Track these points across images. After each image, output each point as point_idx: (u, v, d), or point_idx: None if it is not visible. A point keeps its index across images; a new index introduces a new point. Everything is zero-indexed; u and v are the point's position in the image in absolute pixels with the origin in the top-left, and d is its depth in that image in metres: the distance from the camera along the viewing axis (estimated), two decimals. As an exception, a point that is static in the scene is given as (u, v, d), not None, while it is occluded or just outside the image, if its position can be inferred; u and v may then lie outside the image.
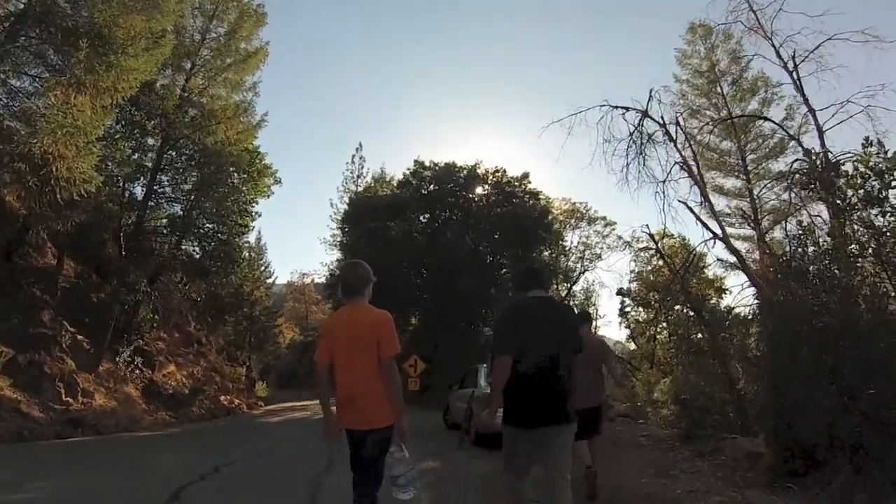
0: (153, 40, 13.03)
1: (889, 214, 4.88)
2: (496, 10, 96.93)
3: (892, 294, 5.07)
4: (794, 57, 10.51)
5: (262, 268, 34.67)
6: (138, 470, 7.98)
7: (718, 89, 21.13)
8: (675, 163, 10.09)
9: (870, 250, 5.10)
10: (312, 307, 53.25)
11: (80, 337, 15.24)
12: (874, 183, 4.93)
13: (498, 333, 3.92)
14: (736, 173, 21.49)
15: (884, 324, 4.84)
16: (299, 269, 77.84)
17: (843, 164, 5.94)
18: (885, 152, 4.98)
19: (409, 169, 29.89)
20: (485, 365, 12.01)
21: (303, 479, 6.54)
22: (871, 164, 4.97)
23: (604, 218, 30.92)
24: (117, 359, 16.56)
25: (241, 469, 7.67)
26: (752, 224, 18.95)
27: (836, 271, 5.51)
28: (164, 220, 19.99)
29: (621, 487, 5.82)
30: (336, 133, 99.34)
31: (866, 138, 5.14)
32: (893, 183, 4.83)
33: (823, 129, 10.02)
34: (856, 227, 5.33)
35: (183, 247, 20.10)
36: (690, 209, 10.32)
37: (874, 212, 5.12)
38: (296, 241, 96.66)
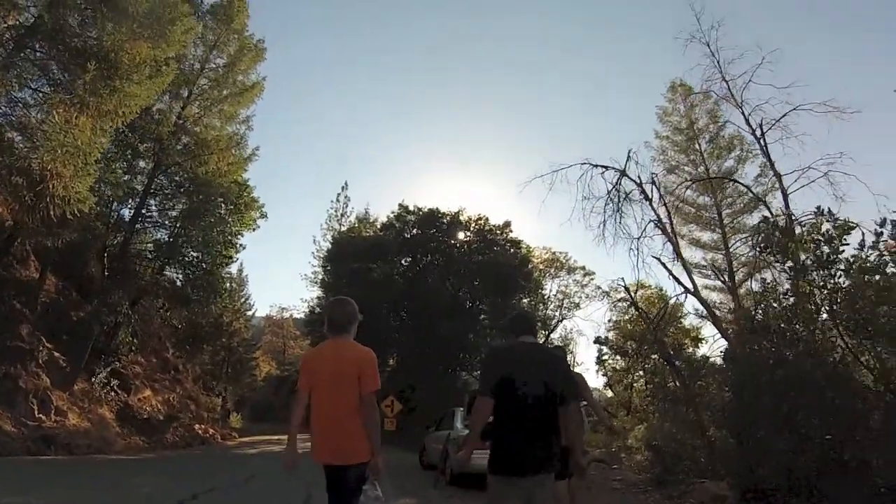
0: (156, 68, 13.28)
1: (839, 276, 5.30)
2: (483, 64, 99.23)
3: (846, 348, 5.45)
4: (761, 125, 11.28)
5: (243, 300, 34.63)
6: (117, 490, 8.07)
7: (697, 146, 22.02)
8: (650, 221, 10.58)
9: (824, 308, 5.50)
10: (290, 342, 52.91)
11: (56, 354, 15.12)
12: (825, 248, 5.38)
13: (482, 374, 3.78)
14: (712, 227, 22.23)
15: (837, 375, 5.22)
16: (279, 303, 77.72)
17: (804, 226, 6.43)
18: (836, 220, 5.45)
19: (393, 212, 30.38)
20: (461, 409, 12.19)
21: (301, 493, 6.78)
22: (822, 230, 5.43)
23: (583, 268, 31.32)
24: (93, 379, 16.50)
25: (218, 498, 7.69)
26: (722, 279, 19.54)
27: (797, 327, 5.92)
28: (150, 245, 20.09)
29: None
30: (321, 169, 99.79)
31: (818, 207, 5.64)
32: (841, 248, 5.27)
33: (788, 192, 10.68)
34: (812, 286, 5.74)
35: (166, 273, 20.13)
36: (664, 265, 10.77)
37: (830, 272, 5.56)
38: (275, 274, 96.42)
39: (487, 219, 29.41)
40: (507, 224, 29.28)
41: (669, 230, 10.72)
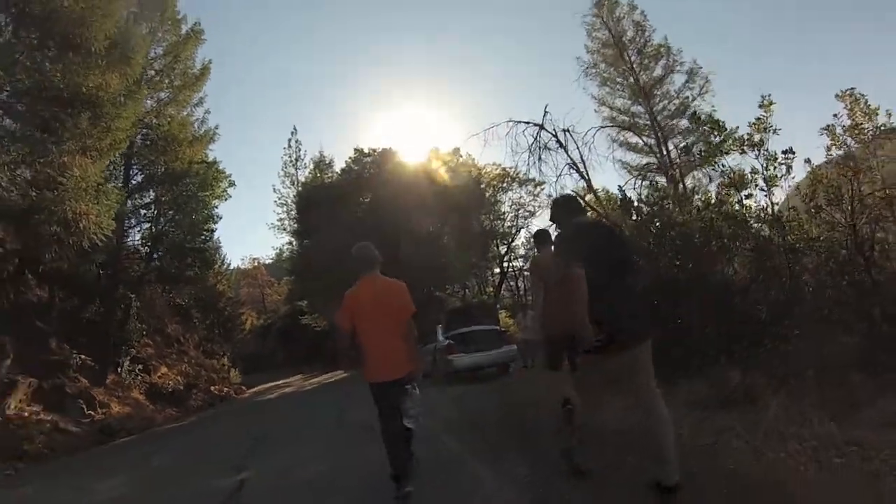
0: (130, 94, 14.97)
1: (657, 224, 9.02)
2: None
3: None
4: (644, 86, 14.49)
5: (220, 260, 36.43)
6: (223, 434, 11.76)
7: (626, 57, 24.44)
8: (566, 164, 13.55)
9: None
10: (266, 290, 56.15)
11: (83, 357, 17.16)
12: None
13: (570, 249, 3.66)
14: (647, 132, 25.03)
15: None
16: (249, 253, 79.93)
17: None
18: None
19: (350, 157, 33.20)
20: (440, 325, 15.84)
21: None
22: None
23: (532, 180, 33.01)
24: (119, 370, 19.02)
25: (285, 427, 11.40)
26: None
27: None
28: (139, 239, 22.24)
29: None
30: (267, 114, 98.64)
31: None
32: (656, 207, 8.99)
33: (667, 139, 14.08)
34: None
35: (158, 260, 22.36)
36: (582, 198, 13.92)
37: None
38: (239, 225, 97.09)
39: (438, 149, 32.75)
40: (457, 150, 32.32)
41: (583, 169, 13.64)
